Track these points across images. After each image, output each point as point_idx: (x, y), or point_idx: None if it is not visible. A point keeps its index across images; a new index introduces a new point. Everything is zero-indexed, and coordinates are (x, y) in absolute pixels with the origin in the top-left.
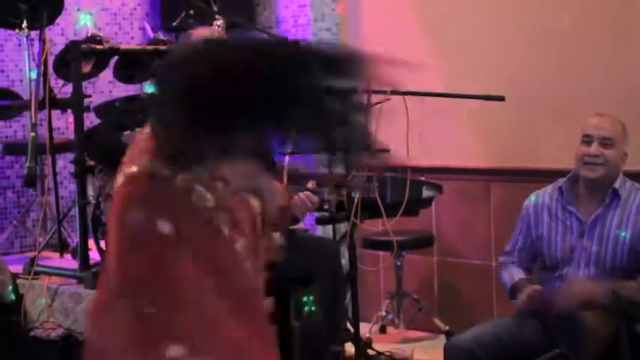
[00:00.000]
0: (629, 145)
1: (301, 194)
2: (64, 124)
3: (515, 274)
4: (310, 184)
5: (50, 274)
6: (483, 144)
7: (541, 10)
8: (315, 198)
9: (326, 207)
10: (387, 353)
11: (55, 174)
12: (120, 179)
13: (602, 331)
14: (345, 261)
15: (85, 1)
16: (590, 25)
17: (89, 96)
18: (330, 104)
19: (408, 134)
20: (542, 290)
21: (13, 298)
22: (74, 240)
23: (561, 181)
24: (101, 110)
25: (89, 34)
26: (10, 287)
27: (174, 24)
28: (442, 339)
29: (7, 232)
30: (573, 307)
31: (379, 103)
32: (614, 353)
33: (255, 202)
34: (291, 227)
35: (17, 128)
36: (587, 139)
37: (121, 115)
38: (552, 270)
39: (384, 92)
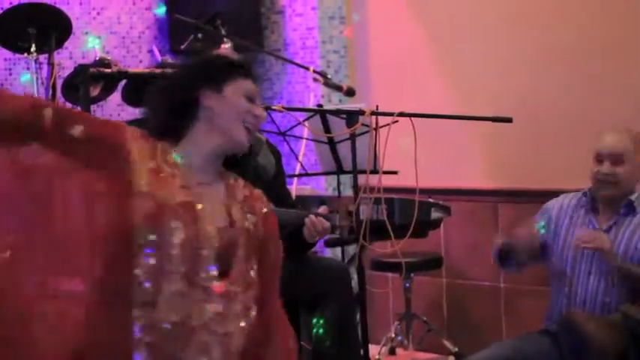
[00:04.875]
0: None
1: (312, 217)
2: None
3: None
4: (322, 210)
5: None
6: (492, 165)
7: (549, 31)
8: (327, 224)
9: (337, 232)
10: None
11: None
12: None
13: (612, 351)
14: (354, 282)
15: (94, 25)
16: (598, 45)
17: None
18: None
19: (416, 156)
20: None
21: None
22: None
23: (587, 190)
24: None
25: (97, 58)
26: None
27: (182, 47)
28: None
29: None
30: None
31: (387, 125)
32: None
33: None
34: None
35: None
36: (599, 158)
37: None
38: (560, 277)
39: (391, 114)
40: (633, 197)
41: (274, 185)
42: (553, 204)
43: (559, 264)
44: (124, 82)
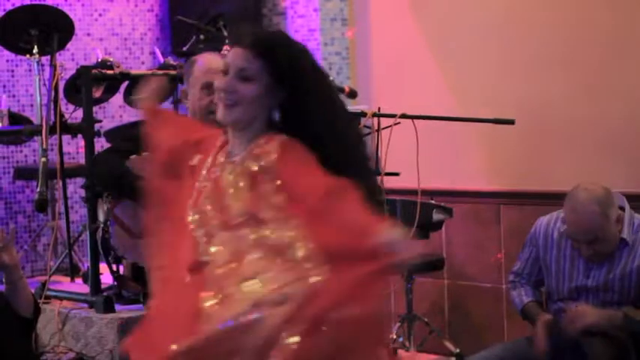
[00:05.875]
0: (615, 208)
1: None
2: (74, 148)
3: (524, 295)
4: None
5: (61, 299)
6: (494, 167)
7: (551, 33)
8: None
9: None
10: None
11: (65, 198)
12: None
13: (609, 354)
14: None
15: (96, 27)
16: (600, 46)
17: (100, 121)
18: None
19: (418, 157)
20: (553, 320)
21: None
22: (85, 264)
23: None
24: (111, 135)
25: (99, 59)
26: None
27: (184, 49)
28: None
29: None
30: (579, 334)
31: (389, 126)
32: None
33: None
34: None
35: (28, 153)
36: (574, 239)
37: (125, 140)
38: (558, 302)
39: (393, 116)
40: (624, 234)
41: None
42: (538, 233)
43: (556, 294)
44: (126, 83)
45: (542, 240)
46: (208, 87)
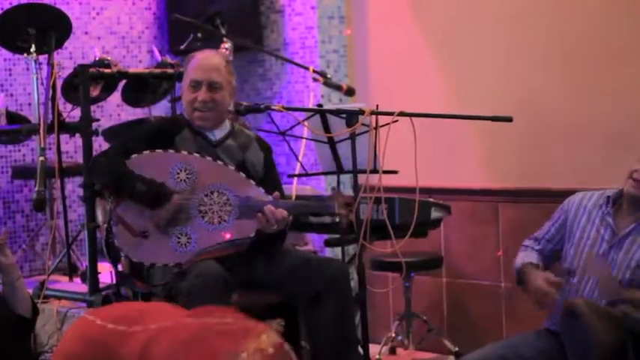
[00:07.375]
0: None
1: (269, 206)
2: (72, 147)
3: (527, 257)
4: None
5: (59, 298)
6: (492, 165)
7: (551, 31)
8: (285, 213)
9: (337, 220)
10: None
11: (63, 198)
12: None
13: (612, 343)
14: (354, 282)
15: (93, 25)
16: (601, 46)
17: (98, 120)
18: None
19: (416, 155)
20: (552, 281)
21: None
22: (83, 263)
23: (610, 192)
24: (109, 134)
25: (97, 58)
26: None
27: (182, 47)
28: None
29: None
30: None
31: (387, 124)
32: None
33: None
34: (298, 248)
35: (26, 152)
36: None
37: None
38: (571, 274)
39: (391, 114)
40: None
41: (265, 181)
42: (573, 201)
43: (570, 262)
44: (123, 82)
45: (575, 207)
46: (195, 85)
